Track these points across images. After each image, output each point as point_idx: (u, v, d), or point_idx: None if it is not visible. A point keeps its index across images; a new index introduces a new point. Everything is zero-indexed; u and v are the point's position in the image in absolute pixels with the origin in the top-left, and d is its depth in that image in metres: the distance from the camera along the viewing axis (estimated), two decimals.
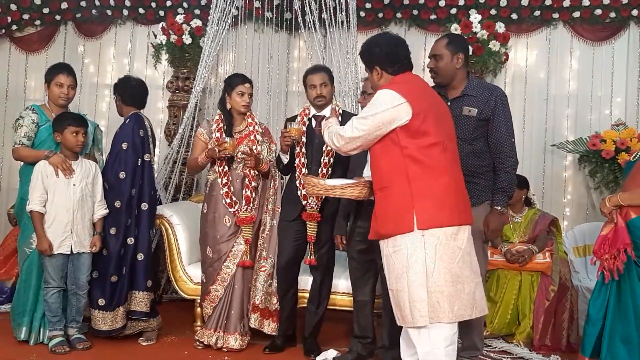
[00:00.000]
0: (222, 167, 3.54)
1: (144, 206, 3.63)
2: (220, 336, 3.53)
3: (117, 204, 3.56)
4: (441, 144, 2.59)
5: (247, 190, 3.55)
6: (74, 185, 3.46)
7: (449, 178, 2.59)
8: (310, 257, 3.50)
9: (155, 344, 3.63)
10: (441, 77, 3.21)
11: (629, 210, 2.95)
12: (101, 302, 3.51)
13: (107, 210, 3.57)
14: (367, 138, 2.62)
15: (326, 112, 3.53)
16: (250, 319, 3.56)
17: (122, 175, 3.56)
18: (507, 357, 3.65)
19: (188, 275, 3.84)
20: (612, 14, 4.61)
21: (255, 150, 3.55)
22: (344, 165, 3.55)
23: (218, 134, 3.54)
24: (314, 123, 3.56)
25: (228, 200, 3.53)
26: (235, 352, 3.51)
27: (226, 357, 3.44)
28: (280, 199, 3.65)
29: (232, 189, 3.54)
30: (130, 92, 3.71)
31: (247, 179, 3.56)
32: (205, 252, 3.61)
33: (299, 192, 3.49)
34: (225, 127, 3.58)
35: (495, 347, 3.78)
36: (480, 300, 2.62)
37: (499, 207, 3.14)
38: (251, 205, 3.55)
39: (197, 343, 3.57)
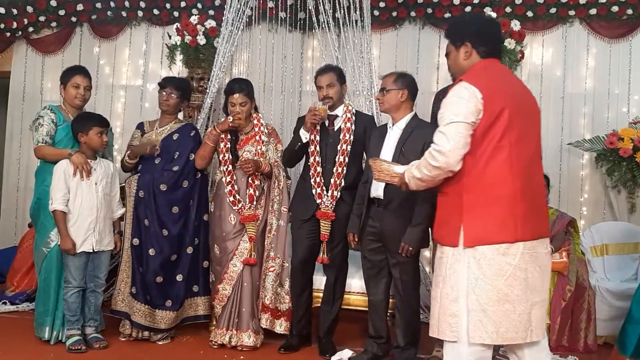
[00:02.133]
0: (226, 167, 3.60)
1: (206, 217, 3.74)
2: (234, 334, 3.55)
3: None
4: (507, 147, 2.27)
5: (250, 188, 3.58)
6: (96, 184, 3.50)
7: (511, 188, 2.27)
8: (323, 255, 3.50)
9: (171, 344, 3.65)
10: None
11: None
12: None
13: (124, 209, 3.61)
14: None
15: (338, 111, 3.55)
16: (261, 319, 3.58)
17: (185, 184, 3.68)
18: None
19: None
20: (629, 11, 4.55)
21: (259, 152, 3.59)
22: (358, 166, 3.55)
23: (223, 143, 3.65)
24: (326, 122, 3.56)
25: (232, 199, 3.57)
26: (250, 350, 3.52)
27: (242, 357, 3.45)
28: (288, 200, 3.67)
29: (236, 188, 3.59)
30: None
31: (250, 178, 3.58)
32: (213, 250, 3.66)
33: (313, 191, 3.49)
34: (231, 131, 3.66)
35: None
36: (538, 322, 2.31)
37: None
38: (254, 203, 3.57)
39: (212, 342, 3.59)
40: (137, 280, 3.58)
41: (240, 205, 3.57)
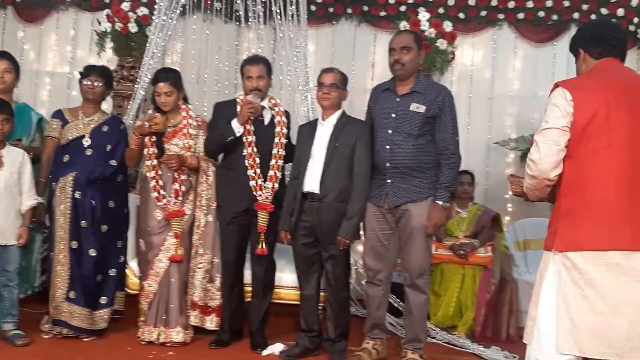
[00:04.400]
0: (150, 161, 3.52)
1: (126, 210, 3.71)
2: (162, 331, 3.48)
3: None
4: (607, 150, 2.15)
5: (175, 183, 3.51)
6: None
7: (615, 193, 2.15)
8: (261, 247, 3.47)
9: (98, 340, 3.53)
10: (405, 70, 3.27)
11: None
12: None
13: (36, 201, 3.46)
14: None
15: (264, 103, 3.54)
16: (190, 316, 3.51)
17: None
18: (450, 349, 3.73)
19: (131, 269, 3.76)
20: (555, 17, 4.76)
21: (186, 145, 3.52)
22: (291, 157, 3.57)
23: (149, 137, 3.55)
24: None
25: (156, 195, 3.50)
26: (179, 346, 3.46)
27: (171, 352, 3.39)
28: (217, 193, 3.56)
29: (161, 183, 3.52)
30: None
31: (176, 172, 3.52)
32: (139, 245, 3.60)
33: (251, 182, 3.45)
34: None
35: (439, 339, 3.86)
36: (635, 341, 2.10)
37: (441, 202, 3.22)
38: (179, 199, 3.50)
39: (140, 339, 3.50)
40: (77, 283, 3.45)
41: (165, 201, 3.50)
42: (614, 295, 2.11)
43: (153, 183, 3.52)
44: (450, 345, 3.78)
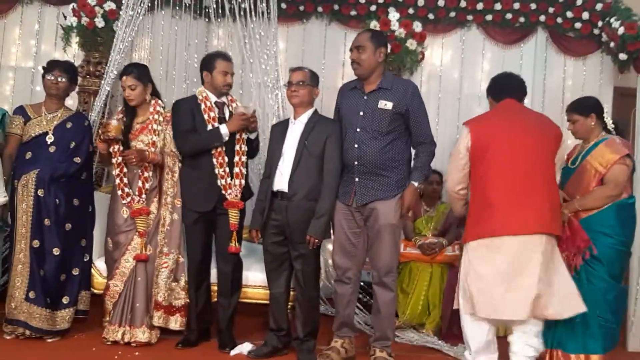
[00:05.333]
0: (116, 159, 3.47)
1: (90, 208, 3.64)
2: (127, 331, 3.43)
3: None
4: (504, 166, 3.03)
5: (139, 181, 3.47)
6: None
7: (500, 198, 3.01)
8: (234, 245, 3.45)
9: (62, 341, 3.47)
10: (363, 69, 3.29)
11: (580, 211, 3.26)
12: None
13: (5, 199, 3.38)
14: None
15: (223, 99, 3.55)
16: (154, 317, 3.45)
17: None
18: (417, 346, 3.77)
19: (97, 268, 3.70)
20: (522, 19, 4.82)
21: (150, 141, 3.47)
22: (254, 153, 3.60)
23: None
24: (216, 110, 3.50)
25: (120, 192, 3.46)
26: (145, 346, 3.42)
27: (137, 353, 3.34)
28: (181, 192, 3.51)
29: (125, 181, 3.47)
30: None
31: (140, 170, 3.47)
32: (106, 243, 3.54)
33: (220, 181, 3.43)
34: (125, 117, 3.54)
35: (406, 337, 3.89)
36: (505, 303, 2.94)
37: (416, 183, 3.27)
38: (143, 196, 3.46)
39: (105, 339, 3.45)
40: (38, 283, 3.38)
41: (129, 199, 3.45)
42: (492, 267, 2.98)
43: (117, 181, 3.48)
44: (418, 343, 3.81)
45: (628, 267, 3.42)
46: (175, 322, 3.50)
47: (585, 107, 3.43)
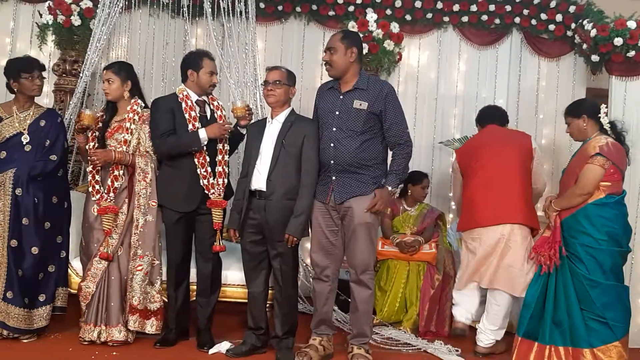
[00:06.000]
0: (89, 156, 3.46)
1: (66, 204, 3.61)
2: (103, 330, 3.40)
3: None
4: (482, 175, 3.69)
5: (109, 178, 3.45)
6: None
7: (480, 199, 3.67)
8: (218, 244, 3.45)
9: (38, 341, 3.44)
10: (335, 69, 3.32)
11: (562, 211, 3.41)
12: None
13: None
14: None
15: (204, 97, 3.54)
16: (129, 320, 3.41)
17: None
18: (395, 343, 3.80)
19: (73, 268, 3.68)
20: (497, 20, 4.89)
21: (122, 140, 3.44)
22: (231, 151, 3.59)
23: (92, 132, 3.51)
24: (197, 108, 3.49)
25: (90, 189, 3.45)
26: (123, 346, 3.40)
27: (115, 353, 3.32)
28: (160, 193, 3.46)
29: (97, 178, 3.46)
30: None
31: (111, 168, 3.45)
32: (81, 241, 3.54)
33: (203, 181, 3.42)
34: (106, 115, 3.53)
35: (384, 334, 3.93)
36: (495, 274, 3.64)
37: (390, 187, 3.28)
38: (111, 194, 3.43)
39: (81, 339, 3.42)
40: (16, 283, 3.34)
41: (98, 196, 3.43)
42: (480, 250, 3.65)
43: (89, 177, 3.47)
44: (395, 340, 3.85)
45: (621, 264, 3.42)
46: (152, 326, 3.46)
47: (577, 109, 3.55)
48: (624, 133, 3.51)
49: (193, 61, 3.50)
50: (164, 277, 3.56)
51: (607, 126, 3.47)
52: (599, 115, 3.47)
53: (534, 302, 3.43)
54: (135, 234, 3.43)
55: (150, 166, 3.46)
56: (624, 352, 3.31)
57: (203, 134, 3.38)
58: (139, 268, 3.42)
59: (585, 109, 3.52)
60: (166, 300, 3.57)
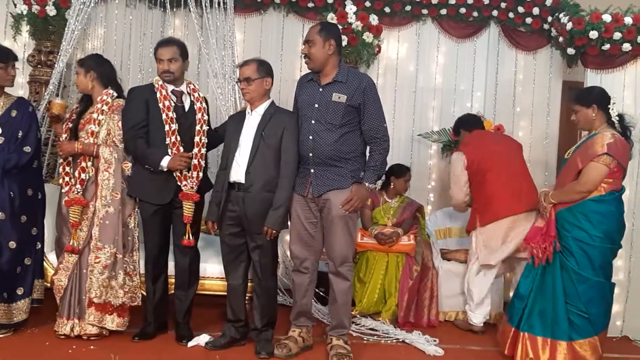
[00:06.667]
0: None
1: (40, 195, 3.56)
2: (76, 323, 3.38)
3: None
4: (494, 174, 3.94)
5: (77, 170, 3.42)
6: None
7: (498, 195, 3.92)
8: (187, 238, 3.42)
9: (15, 336, 3.40)
10: (313, 62, 3.31)
11: (556, 204, 3.37)
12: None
13: None
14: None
15: (183, 87, 3.50)
16: (87, 314, 3.34)
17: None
18: (374, 334, 3.83)
19: (49, 262, 3.64)
20: (475, 13, 4.92)
21: (90, 131, 3.40)
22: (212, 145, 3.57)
23: (75, 116, 3.48)
24: (173, 98, 3.46)
25: (61, 181, 3.43)
26: (101, 340, 3.38)
27: (92, 347, 3.30)
28: (136, 185, 3.43)
29: (68, 169, 3.44)
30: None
31: (79, 159, 3.42)
32: (57, 234, 3.51)
33: (174, 174, 3.39)
34: (81, 107, 3.51)
35: (363, 325, 3.95)
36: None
37: (367, 184, 3.28)
38: (77, 186, 3.39)
39: (57, 333, 3.39)
40: None
41: (67, 188, 3.40)
42: (499, 239, 3.95)
43: (60, 169, 3.44)
44: (374, 331, 3.88)
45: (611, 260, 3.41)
46: (112, 322, 3.39)
47: (587, 97, 3.44)
48: (630, 127, 3.43)
49: (155, 52, 3.50)
50: (142, 271, 3.54)
51: (615, 118, 3.38)
52: (609, 106, 3.37)
53: (528, 293, 3.40)
54: (96, 225, 3.38)
55: (114, 156, 3.41)
56: (600, 346, 3.32)
57: (164, 162, 3.34)
58: (97, 261, 3.35)
59: (596, 98, 3.39)
60: (144, 293, 3.55)
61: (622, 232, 3.42)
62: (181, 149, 3.39)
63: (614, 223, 3.34)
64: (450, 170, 4.14)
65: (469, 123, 4.29)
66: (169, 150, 3.39)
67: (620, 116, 3.42)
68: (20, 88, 4.75)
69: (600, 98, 3.41)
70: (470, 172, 4.00)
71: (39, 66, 4.45)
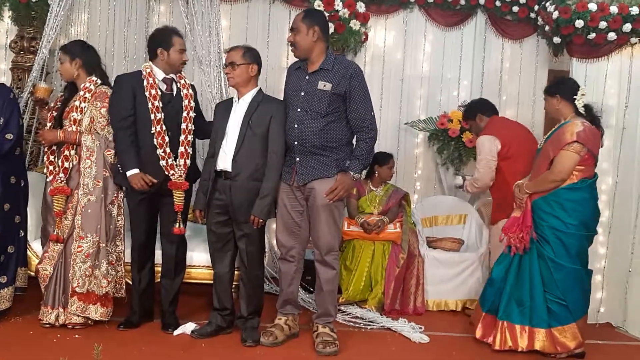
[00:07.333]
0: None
1: (22, 183, 3.51)
2: (60, 312, 3.36)
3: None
4: (518, 163, 3.84)
5: (61, 159, 3.38)
6: None
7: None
8: (178, 226, 3.40)
9: None
10: (299, 50, 3.29)
11: (531, 194, 3.41)
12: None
13: None
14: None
15: (172, 75, 3.47)
16: (70, 303, 3.32)
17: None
18: (360, 322, 3.85)
19: (34, 251, 3.61)
20: (462, 1, 4.90)
21: (72, 119, 3.36)
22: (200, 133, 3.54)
23: (59, 104, 3.44)
24: (163, 86, 3.42)
25: (45, 170, 3.40)
26: (86, 328, 3.36)
27: (77, 335, 3.28)
28: (105, 173, 3.38)
29: (52, 158, 3.40)
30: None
31: (63, 147, 3.38)
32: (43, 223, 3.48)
33: (163, 162, 3.35)
34: (65, 95, 3.48)
35: (350, 313, 3.97)
36: None
37: (353, 173, 3.28)
38: (61, 175, 3.35)
39: (42, 322, 3.37)
40: None
41: (51, 177, 3.37)
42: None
43: (45, 158, 3.40)
44: (360, 319, 3.89)
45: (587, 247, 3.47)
46: (96, 312, 3.35)
47: (552, 87, 3.54)
48: (599, 116, 3.49)
49: (164, 40, 3.41)
50: (128, 259, 3.52)
51: (581, 109, 3.45)
52: (575, 97, 3.44)
53: (500, 279, 3.48)
54: (79, 214, 3.35)
55: (96, 144, 3.37)
56: (579, 333, 3.37)
57: (130, 173, 3.30)
58: (79, 249, 3.32)
59: (559, 89, 3.49)
60: (129, 282, 3.54)
61: (597, 219, 3.49)
62: (166, 138, 3.35)
63: (588, 210, 3.40)
64: (480, 153, 3.94)
65: (488, 107, 4.17)
66: (154, 140, 3.34)
67: (588, 106, 3.49)
68: (2, 75, 4.69)
69: (564, 89, 3.50)
70: (500, 155, 3.88)
71: (21, 52, 4.38)
